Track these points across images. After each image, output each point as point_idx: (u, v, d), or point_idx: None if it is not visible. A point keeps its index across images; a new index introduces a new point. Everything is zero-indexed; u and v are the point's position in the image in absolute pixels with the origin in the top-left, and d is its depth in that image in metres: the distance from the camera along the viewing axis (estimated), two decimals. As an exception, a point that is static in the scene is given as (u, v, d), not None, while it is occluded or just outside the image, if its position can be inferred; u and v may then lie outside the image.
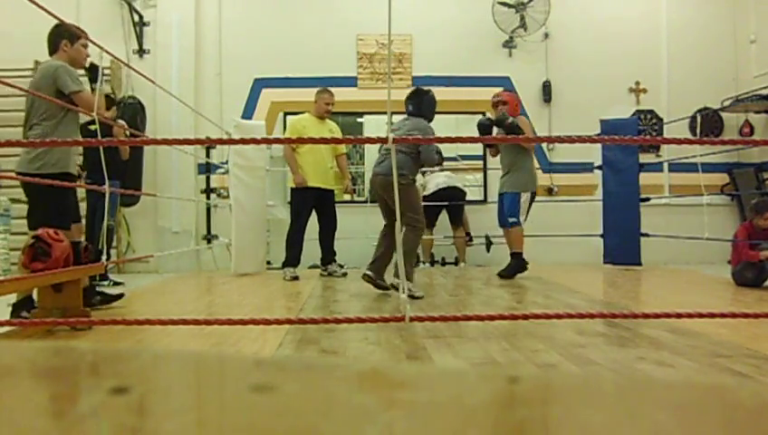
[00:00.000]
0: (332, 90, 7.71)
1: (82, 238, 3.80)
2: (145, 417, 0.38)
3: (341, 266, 6.16)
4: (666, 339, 2.92)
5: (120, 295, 3.90)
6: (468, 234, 7.29)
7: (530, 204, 5.57)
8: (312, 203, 5.89)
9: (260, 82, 7.69)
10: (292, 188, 5.97)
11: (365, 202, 7.75)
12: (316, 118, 5.98)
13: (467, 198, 7.55)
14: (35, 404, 0.39)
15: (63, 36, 3.77)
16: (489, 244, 7.07)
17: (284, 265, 5.87)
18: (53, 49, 3.75)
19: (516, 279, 5.62)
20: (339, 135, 6.11)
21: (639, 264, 6.54)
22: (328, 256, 6.08)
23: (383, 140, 2.30)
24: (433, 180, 7.07)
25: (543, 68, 7.88)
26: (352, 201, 8.30)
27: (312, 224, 6.05)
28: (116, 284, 5.43)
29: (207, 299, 4.91)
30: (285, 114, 7.81)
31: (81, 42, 3.82)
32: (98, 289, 3.96)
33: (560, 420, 0.39)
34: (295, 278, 5.67)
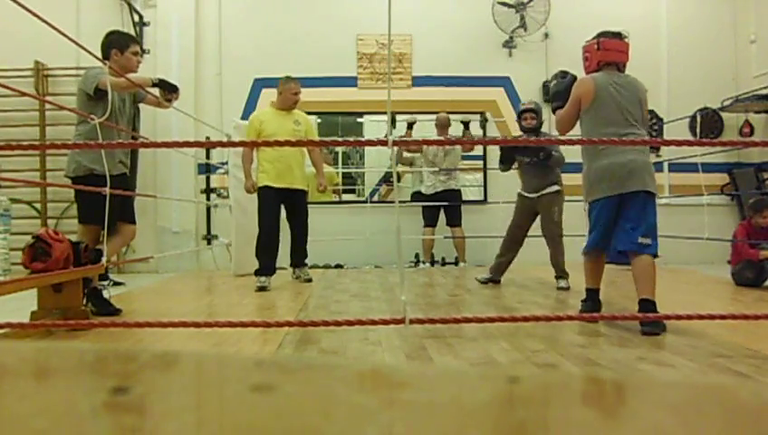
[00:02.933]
0: (332, 90, 7.76)
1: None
2: (145, 417, 0.38)
3: (340, 266, 6.08)
4: (666, 339, 2.92)
5: (119, 312, 3.86)
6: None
7: (594, 216, 3.41)
8: (277, 204, 5.21)
9: (260, 82, 7.68)
10: (257, 189, 5.26)
11: (365, 202, 7.76)
12: (279, 111, 5.28)
13: (467, 198, 7.56)
14: (35, 404, 0.39)
15: (113, 45, 3.93)
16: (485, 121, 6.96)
17: (255, 272, 5.16)
18: (104, 56, 3.88)
19: (516, 279, 5.61)
20: (308, 127, 5.42)
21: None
22: (296, 259, 5.52)
23: (383, 142, 2.29)
24: (430, 180, 7.06)
25: (543, 68, 7.87)
26: (353, 201, 8.30)
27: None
28: (116, 284, 5.42)
29: (207, 299, 4.90)
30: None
31: (132, 50, 3.97)
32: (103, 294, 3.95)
33: (560, 420, 0.39)
34: (263, 289, 4.92)
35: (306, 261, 5.61)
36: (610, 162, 3.29)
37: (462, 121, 7.01)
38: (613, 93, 3.36)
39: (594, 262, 3.49)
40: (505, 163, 5.19)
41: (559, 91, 3.66)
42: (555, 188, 4.92)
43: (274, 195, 5.14)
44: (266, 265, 5.09)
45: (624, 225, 3.25)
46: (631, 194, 3.25)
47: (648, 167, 3.34)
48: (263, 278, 5.02)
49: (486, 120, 7.49)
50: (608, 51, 3.46)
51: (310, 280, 5.47)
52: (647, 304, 3.11)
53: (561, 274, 4.88)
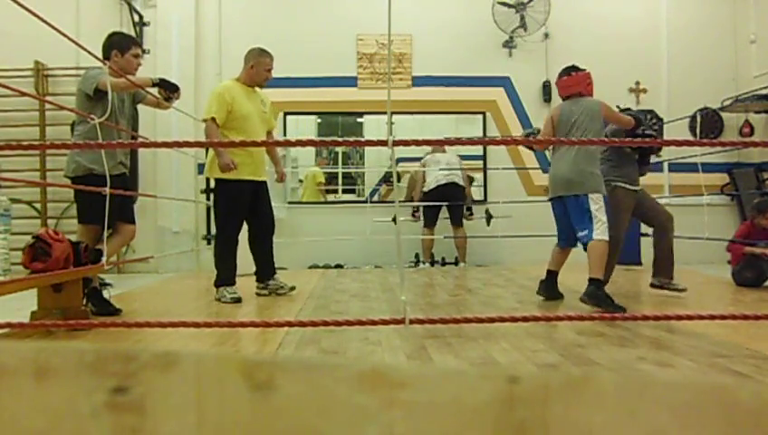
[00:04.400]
0: (332, 90, 7.75)
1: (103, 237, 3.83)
2: (145, 417, 0.38)
3: (340, 266, 5.98)
4: (666, 339, 2.92)
5: (119, 312, 3.86)
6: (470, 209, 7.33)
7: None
8: (248, 200, 4.50)
9: (260, 83, 7.67)
10: (219, 181, 4.46)
11: (365, 202, 7.76)
12: (245, 87, 4.54)
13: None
14: (35, 404, 0.39)
15: (114, 46, 3.95)
16: (489, 217, 7.12)
17: (219, 283, 4.52)
18: (105, 57, 3.90)
19: (516, 279, 5.62)
20: (272, 108, 4.84)
21: (640, 263, 6.54)
22: (267, 268, 4.74)
23: (383, 143, 2.30)
24: (432, 175, 7.05)
25: (543, 68, 7.87)
26: (353, 201, 8.31)
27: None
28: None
29: (207, 299, 4.90)
30: (285, 114, 7.80)
31: (132, 52, 3.97)
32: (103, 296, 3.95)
33: (560, 420, 0.38)
34: (238, 300, 4.38)
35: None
36: (551, 172, 4.26)
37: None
38: (566, 119, 4.22)
39: (559, 251, 4.28)
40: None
41: (636, 116, 4.53)
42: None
43: (248, 189, 4.48)
44: (233, 272, 4.53)
45: (573, 225, 4.05)
46: (564, 197, 4.10)
47: (578, 175, 4.04)
48: (231, 288, 4.46)
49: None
50: (561, 88, 4.41)
51: (294, 287, 4.73)
52: (591, 281, 3.85)
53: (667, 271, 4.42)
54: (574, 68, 4.35)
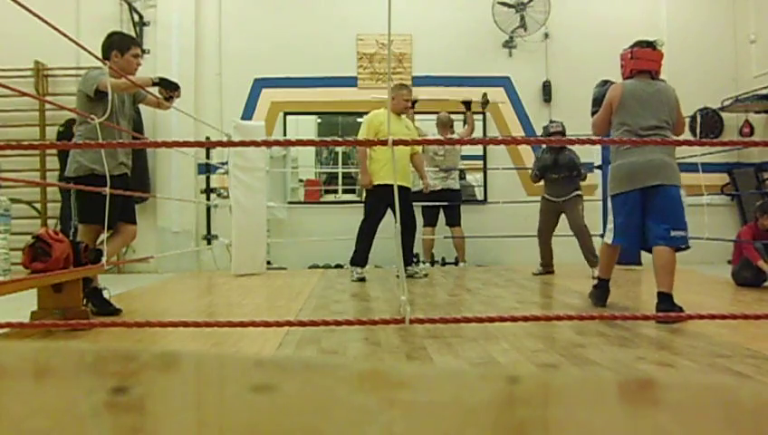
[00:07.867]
0: (332, 90, 7.75)
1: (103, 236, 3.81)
2: (145, 417, 0.38)
3: (340, 266, 6.02)
4: (666, 339, 2.92)
5: (119, 311, 3.85)
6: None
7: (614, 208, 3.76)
8: (386, 201, 5.48)
9: (260, 82, 7.68)
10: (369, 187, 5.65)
11: (363, 202, 7.76)
12: (393, 114, 5.48)
13: (467, 197, 7.55)
14: (35, 404, 0.39)
15: (114, 46, 3.93)
16: (486, 102, 7.19)
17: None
18: (105, 57, 3.89)
19: (516, 279, 5.62)
20: (416, 134, 6.00)
21: (639, 264, 6.53)
22: (410, 256, 5.89)
23: (383, 142, 2.29)
24: (430, 182, 7.05)
25: (543, 68, 7.87)
26: (352, 201, 8.31)
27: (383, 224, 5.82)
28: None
29: (207, 299, 4.90)
30: (285, 114, 7.80)
31: (132, 52, 3.96)
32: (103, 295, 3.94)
33: (560, 420, 0.38)
34: (362, 279, 5.57)
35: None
36: (634, 161, 3.53)
37: (463, 102, 7.03)
38: (639, 99, 3.61)
39: (613, 251, 3.80)
40: (536, 179, 6.11)
41: (597, 97, 3.97)
42: (578, 192, 5.94)
43: (385, 193, 5.47)
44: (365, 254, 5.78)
45: (661, 221, 3.48)
46: (651, 188, 3.50)
47: (672, 164, 3.57)
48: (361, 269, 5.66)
49: (488, 101, 7.32)
50: (639, 60, 3.70)
51: (426, 274, 5.86)
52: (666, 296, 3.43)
53: (596, 259, 5.32)
54: (653, 43, 3.78)
